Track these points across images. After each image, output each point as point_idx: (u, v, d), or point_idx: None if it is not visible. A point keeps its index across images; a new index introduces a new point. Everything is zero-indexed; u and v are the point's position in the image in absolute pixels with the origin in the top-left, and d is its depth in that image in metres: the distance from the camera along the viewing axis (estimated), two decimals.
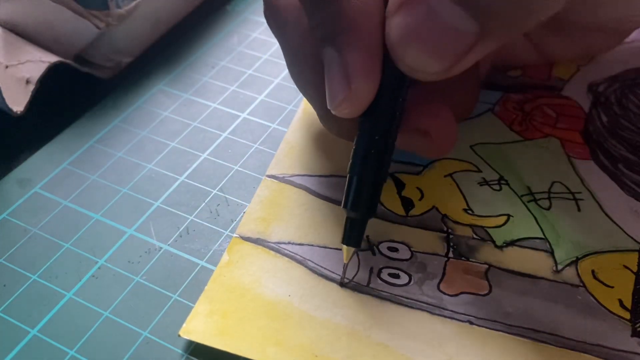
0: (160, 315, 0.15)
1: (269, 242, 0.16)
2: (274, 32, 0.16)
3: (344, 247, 0.15)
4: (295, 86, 0.22)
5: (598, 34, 0.20)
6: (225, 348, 0.14)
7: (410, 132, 0.16)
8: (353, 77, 0.13)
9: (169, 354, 0.14)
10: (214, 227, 0.17)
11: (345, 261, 0.15)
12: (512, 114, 0.20)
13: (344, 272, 0.15)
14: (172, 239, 0.17)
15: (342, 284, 0.15)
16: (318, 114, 0.17)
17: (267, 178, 0.18)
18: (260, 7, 0.26)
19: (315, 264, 0.16)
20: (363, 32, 0.13)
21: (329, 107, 0.14)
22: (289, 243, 0.16)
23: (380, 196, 0.15)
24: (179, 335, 0.14)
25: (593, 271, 0.16)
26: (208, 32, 0.24)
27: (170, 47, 0.24)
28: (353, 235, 0.15)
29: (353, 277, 0.15)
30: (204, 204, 0.18)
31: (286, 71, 0.22)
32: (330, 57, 0.14)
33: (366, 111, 0.14)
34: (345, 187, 0.15)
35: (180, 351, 0.14)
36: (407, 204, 0.17)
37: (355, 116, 0.14)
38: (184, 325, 0.14)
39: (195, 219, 0.17)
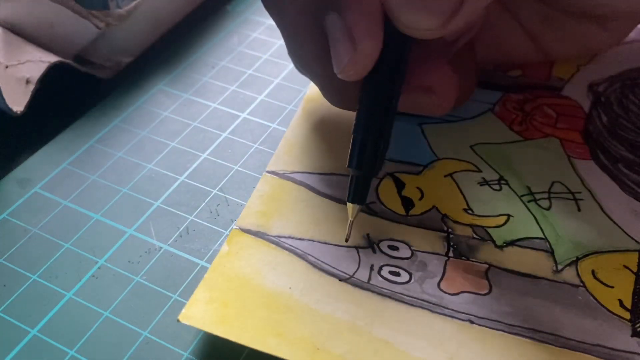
0: (160, 315, 0.15)
1: (269, 235, 0.16)
2: (271, 12, 0.17)
3: (349, 204, 0.15)
4: (295, 86, 0.22)
5: (594, 30, 0.20)
6: (226, 336, 0.14)
7: (414, 90, 0.16)
8: (357, 38, 0.14)
9: (169, 354, 0.14)
10: (214, 227, 0.17)
11: (350, 218, 0.16)
12: (512, 114, 0.20)
13: (349, 229, 0.16)
14: (172, 239, 0.17)
15: (346, 240, 0.16)
16: (321, 88, 0.17)
17: (267, 174, 0.18)
18: (260, 7, 0.26)
19: (316, 258, 0.16)
20: None
21: (335, 72, 0.15)
22: (289, 237, 0.16)
23: (384, 156, 0.15)
24: (178, 321, 0.14)
25: (593, 271, 0.16)
26: (208, 32, 0.24)
27: (170, 47, 0.24)
28: (358, 192, 0.15)
29: (354, 274, 0.15)
30: (204, 204, 0.18)
31: (286, 71, 0.22)
32: (333, 23, 0.15)
33: (369, 72, 0.15)
34: (350, 146, 0.15)
35: (180, 351, 0.14)
36: (407, 203, 0.17)
37: (361, 77, 0.15)
38: (183, 311, 0.14)
39: (195, 219, 0.17)
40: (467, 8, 0.13)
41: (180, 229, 0.17)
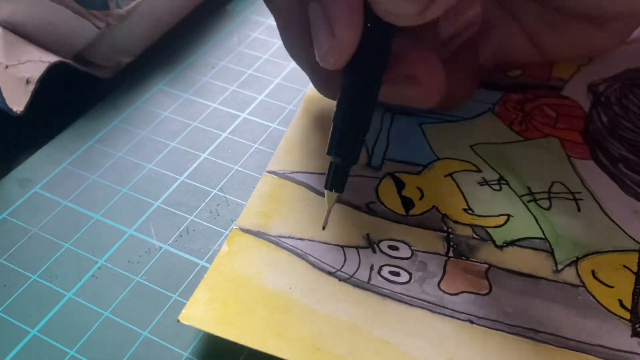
0: (160, 315, 0.15)
1: (269, 235, 0.16)
2: (265, 1, 0.17)
3: (327, 192, 0.15)
4: (295, 86, 0.22)
5: (593, 31, 0.20)
6: (226, 336, 0.14)
7: (398, 80, 0.16)
8: (335, 26, 0.14)
9: (169, 354, 0.14)
10: (214, 227, 0.17)
11: (327, 206, 0.15)
12: (512, 114, 0.20)
13: (327, 217, 0.16)
14: (172, 239, 0.17)
15: (323, 228, 0.16)
16: (310, 77, 0.18)
17: (267, 174, 0.18)
18: (260, 7, 0.26)
19: (316, 258, 0.16)
20: None
21: (317, 60, 0.15)
22: (289, 237, 0.16)
23: (362, 144, 0.15)
24: (178, 321, 0.14)
25: (593, 271, 0.16)
26: (208, 32, 0.24)
27: (170, 47, 0.24)
28: (337, 180, 0.15)
29: (353, 274, 0.15)
30: (204, 203, 0.18)
31: (286, 71, 0.22)
32: (314, 11, 0.15)
33: (350, 61, 0.15)
34: (330, 134, 0.15)
35: (180, 351, 0.14)
36: (407, 203, 0.17)
37: (341, 66, 0.15)
38: (183, 311, 0.14)
39: (195, 219, 0.17)
40: None
41: (180, 229, 0.17)
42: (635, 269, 0.16)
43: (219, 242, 0.17)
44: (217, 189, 0.18)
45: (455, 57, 0.18)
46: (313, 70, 0.17)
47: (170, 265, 0.16)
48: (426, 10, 0.13)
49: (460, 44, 0.18)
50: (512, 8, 0.20)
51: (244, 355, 0.14)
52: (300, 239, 0.16)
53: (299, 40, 0.16)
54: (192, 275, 0.16)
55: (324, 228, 0.16)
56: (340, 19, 0.14)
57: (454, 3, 0.14)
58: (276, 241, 0.16)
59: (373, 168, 0.18)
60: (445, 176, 0.18)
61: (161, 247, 0.16)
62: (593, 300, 0.15)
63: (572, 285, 0.15)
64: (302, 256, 0.16)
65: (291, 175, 0.18)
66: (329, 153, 0.15)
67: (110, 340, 0.14)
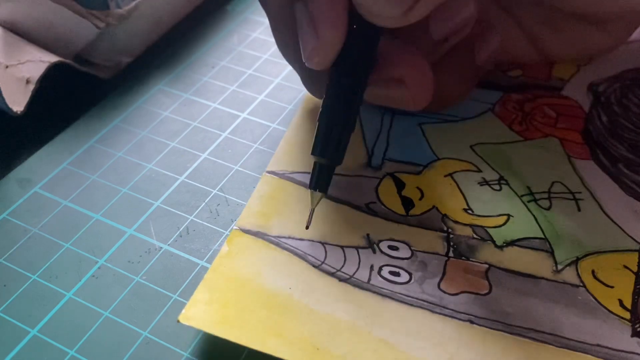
0: (160, 315, 0.15)
1: (269, 235, 0.16)
2: (260, 2, 0.17)
3: (311, 192, 0.15)
4: (295, 86, 0.22)
5: (593, 32, 0.20)
6: (226, 336, 0.14)
7: (385, 82, 0.16)
8: (319, 26, 0.14)
9: (169, 354, 0.14)
10: (214, 227, 0.17)
11: (311, 207, 0.15)
12: (512, 114, 0.20)
13: (310, 217, 0.16)
14: (172, 239, 0.17)
15: (307, 227, 0.16)
16: (301, 78, 0.18)
17: (267, 174, 0.18)
18: (260, 7, 0.26)
19: (316, 259, 0.16)
20: None
21: (303, 60, 0.15)
22: (289, 237, 0.16)
23: (347, 145, 0.15)
24: (178, 321, 0.14)
25: (593, 271, 0.16)
26: (208, 32, 0.24)
27: (170, 47, 0.24)
28: (320, 180, 0.15)
29: (353, 274, 0.15)
30: (204, 203, 0.18)
31: (286, 71, 0.22)
32: (300, 12, 0.15)
33: (335, 62, 0.15)
34: (314, 134, 0.15)
35: (180, 351, 0.14)
36: (407, 203, 0.17)
37: (326, 67, 0.15)
38: (183, 311, 0.14)
39: (195, 219, 0.17)
40: None
41: (180, 229, 0.17)
42: (635, 269, 0.16)
43: (219, 242, 0.17)
44: (217, 189, 0.18)
45: (450, 57, 0.18)
46: (303, 71, 0.17)
47: (170, 265, 0.16)
48: (410, 12, 0.13)
49: (453, 44, 0.18)
50: (511, 8, 0.20)
51: (244, 355, 0.14)
52: (300, 239, 0.16)
53: (289, 40, 0.16)
54: (192, 275, 0.16)
55: (307, 227, 0.16)
56: (324, 20, 0.14)
57: (439, 3, 0.14)
58: (276, 241, 0.16)
59: (373, 168, 0.18)
60: (445, 176, 0.18)
61: (161, 247, 0.16)
62: (593, 300, 0.15)
63: (572, 285, 0.15)
64: (302, 256, 0.16)
65: (291, 175, 0.18)
66: (313, 153, 0.15)
67: (110, 340, 0.14)
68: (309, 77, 0.17)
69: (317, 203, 0.15)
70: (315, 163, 0.15)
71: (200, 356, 0.14)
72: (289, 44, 0.16)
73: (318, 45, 0.14)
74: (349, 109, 0.15)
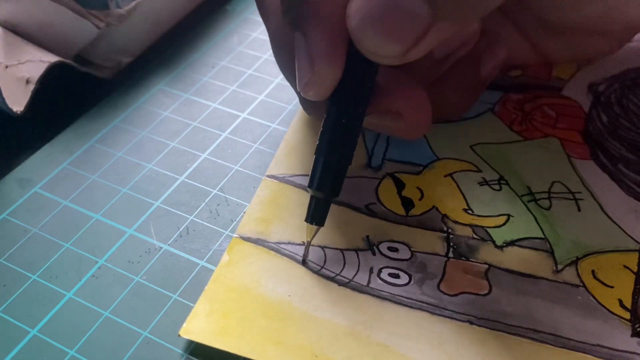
0: (160, 315, 0.15)
1: (269, 242, 0.16)
2: (261, 15, 0.17)
3: (308, 225, 0.15)
4: None
5: (594, 36, 0.20)
6: (226, 348, 0.14)
7: (382, 113, 0.16)
8: (316, 60, 0.14)
9: (169, 354, 0.14)
10: (214, 227, 0.17)
11: (307, 239, 0.15)
12: (512, 114, 0.20)
13: (307, 250, 0.16)
14: (172, 239, 0.17)
15: (303, 262, 0.16)
16: (298, 98, 0.18)
17: (267, 178, 0.18)
18: None
19: (315, 264, 0.16)
20: (326, 17, 0.14)
21: (298, 89, 0.15)
22: (289, 243, 0.16)
23: (344, 178, 0.15)
24: (179, 335, 0.14)
25: (593, 271, 0.16)
26: (208, 32, 0.24)
27: (170, 47, 0.23)
28: (317, 213, 0.15)
29: (353, 277, 0.15)
30: (204, 203, 0.18)
31: None
32: (298, 41, 0.14)
33: (333, 94, 0.15)
34: (312, 167, 0.15)
35: (180, 351, 0.14)
36: (407, 203, 0.17)
37: (322, 99, 0.15)
38: (184, 325, 0.14)
39: (195, 219, 0.17)
40: (430, 38, 0.13)
41: (181, 229, 0.17)
42: (635, 269, 0.16)
43: (219, 242, 0.17)
44: (217, 189, 0.18)
45: (453, 72, 0.18)
46: (298, 93, 0.17)
47: (170, 265, 0.16)
48: (409, 51, 0.13)
49: (456, 60, 0.18)
50: (512, 13, 0.20)
51: (244, 355, 0.14)
52: (299, 244, 0.16)
53: (285, 62, 0.16)
54: (192, 276, 0.16)
55: (304, 262, 0.15)
56: (321, 55, 0.14)
57: (439, 43, 0.13)
58: (276, 248, 0.16)
59: (373, 169, 0.18)
60: (445, 176, 0.18)
61: (161, 247, 0.16)
62: (593, 300, 0.15)
63: (572, 285, 0.15)
64: (301, 262, 0.16)
65: (291, 178, 0.18)
66: (309, 186, 0.15)
67: (110, 340, 0.14)
68: (305, 100, 0.17)
69: (314, 236, 0.15)
70: (311, 197, 0.15)
71: (200, 356, 0.14)
72: (287, 65, 0.16)
73: (314, 79, 0.14)
74: (347, 144, 0.15)
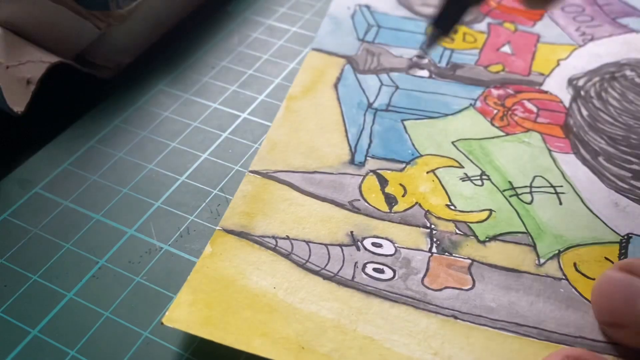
0: (160, 315, 0.13)
1: (253, 235, 0.14)
2: None
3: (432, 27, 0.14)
4: None
5: None
6: (211, 338, 0.12)
7: None
8: None
9: (169, 354, 0.12)
10: (215, 227, 0.15)
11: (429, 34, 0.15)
12: (493, 109, 0.18)
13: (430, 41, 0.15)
14: (172, 239, 0.15)
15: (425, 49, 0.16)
16: None
17: (250, 173, 0.16)
18: (260, 7, 0.23)
19: (300, 257, 0.14)
20: None
21: None
22: (272, 237, 0.14)
23: (458, 22, 0.14)
24: (162, 324, 0.12)
25: (575, 264, 0.14)
26: (208, 32, 0.21)
27: (171, 48, 0.21)
28: (430, 44, 0.15)
29: (338, 272, 0.13)
30: (204, 204, 0.15)
31: (286, 71, 0.20)
32: None
33: None
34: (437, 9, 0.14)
35: (180, 351, 0.12)
36: (390, 200, 0.15)
37: None
38: (167, 313, 0.12)
39: (195, 219, 0.15)
40: None
41: (181, 229, 0.15)
42: (616, 260, 0.14)
43: None
44: (217, 189, 0.16)
45: None
46: None
47: (170, 265, 0.14)
48: None
49: None
50: None
51: (244, 355, 0.12)
52: (283, 238, 0.14)
53: None
54: None
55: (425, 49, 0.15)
56: None
57: None
58: (260, 241, 0.14)
59: (356, 165, 0.16)
60: (427, 172, 0.16)
61: (162, 248, 0.14)
62: (575, 292, 0.13)
63: (555, 278, 0.13)
64: (286, 255, 0.14)
65: (274, 174, 0.16)
66: (430, 24, 0.14)
67: (111, 341, 0.12)
68: None
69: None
70: (432, 32, 0.14)
71: (200, 356, 0.12)
72: None
73: None
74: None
